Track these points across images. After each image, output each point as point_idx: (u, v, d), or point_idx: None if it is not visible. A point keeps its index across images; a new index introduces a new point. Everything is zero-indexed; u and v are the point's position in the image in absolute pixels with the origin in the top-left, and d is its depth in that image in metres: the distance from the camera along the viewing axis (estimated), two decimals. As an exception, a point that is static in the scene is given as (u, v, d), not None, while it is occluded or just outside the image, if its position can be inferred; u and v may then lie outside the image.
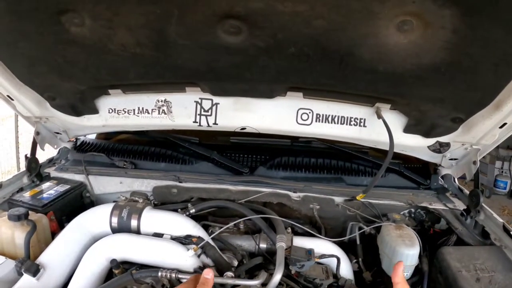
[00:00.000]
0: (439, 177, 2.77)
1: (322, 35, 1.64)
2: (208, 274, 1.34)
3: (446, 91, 1.95)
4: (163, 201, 2.49)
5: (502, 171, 9.67)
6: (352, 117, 2.38)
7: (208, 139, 2.97)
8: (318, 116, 2.39)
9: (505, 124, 2.07)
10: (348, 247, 2.28)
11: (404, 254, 1.99)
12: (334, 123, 2.39)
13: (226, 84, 2.25)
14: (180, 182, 2.55)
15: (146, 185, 2.60)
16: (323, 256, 2.02)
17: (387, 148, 2.27)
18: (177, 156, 2.86)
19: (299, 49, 1.75)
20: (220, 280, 1.70)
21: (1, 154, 9.22)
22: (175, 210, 2.23)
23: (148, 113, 2.49)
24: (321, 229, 2.40)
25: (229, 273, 1.76)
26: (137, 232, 2.05)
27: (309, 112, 2.39)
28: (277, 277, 1.68)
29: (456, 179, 2.77)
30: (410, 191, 2.65)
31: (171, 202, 2.45)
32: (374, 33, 1.59)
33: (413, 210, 2.51)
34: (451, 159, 2.56)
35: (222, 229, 2.08)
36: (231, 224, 2.15)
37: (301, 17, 1.55)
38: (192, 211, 2.22)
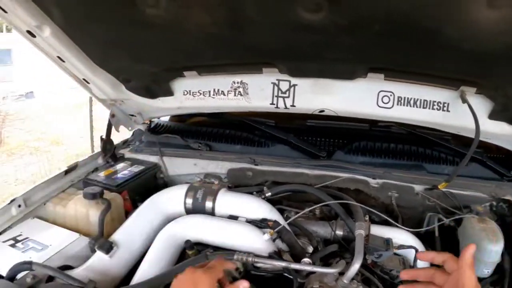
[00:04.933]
0: None
1: (409, 12, 1.55)
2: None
3: None
4: (237, 184, 2.47)
5: None
6: (435, 101, 2.26)
7: (283, 122, 2.91)
8: (400, 99, 2.29)
9: None
10: (423, 239, 2.16)
11: (487, 249, 1.88)
12: (417, 107, 2.29)
13: (305, 64, 2.19)
14: (256, 165, 2.52)
15: (220, 167, 2.59)
16: (401, 246, 1.92)
17: (471, 135, 2.17)
18: (252, 138, 2.84)
19: (383, 27, 1.66)
20: (297, 266, 1.66)
21: (77, 138, 9.59)
22: (250, 193, 2.20)
23: (224, 94, 2.47)
24: (398, 218, 2.29)
25: (307, 259, 1.70)
26: (212, 214, 2.04)
27: (391, 95, 2.30)
28: (356, 266, 1.61)
29: None
30: (492, 182, 2.48)
31: (245, 185, 2.42)
32: (464, 9, 1.50)
33: (494, 203, 2.35)
34: None
35: (299, 214, 2.02)
36: (309, 209, 2.09)
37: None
38: (268, 194, 2.18)
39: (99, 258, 1.85)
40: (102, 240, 1.87)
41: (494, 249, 1.87)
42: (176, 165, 2.75)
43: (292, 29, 1.76)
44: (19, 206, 2.16)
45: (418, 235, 2.08)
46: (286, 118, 2.69)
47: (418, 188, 2.37)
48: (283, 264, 1.67)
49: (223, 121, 3.01)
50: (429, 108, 2.28)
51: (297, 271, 1.70)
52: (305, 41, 1.87)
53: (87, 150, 8.94)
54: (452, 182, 2.28)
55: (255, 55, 2.14)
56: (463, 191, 2.35)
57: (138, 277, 1.80)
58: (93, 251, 1.88)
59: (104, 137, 2.80)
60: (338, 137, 2.84)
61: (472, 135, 2.18)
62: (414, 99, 2.27)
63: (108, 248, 1.83)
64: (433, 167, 2.54)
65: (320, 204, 2.09)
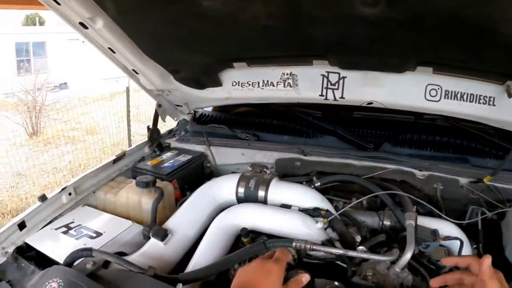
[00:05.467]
0: None
1: (464, 9, 1.57)
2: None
3: None
4: (285, 174, 2.50)
5: None
6: (482, 95, 2.27)
7: (329, 113, 2.94)
8: (447, 92, 2.31)
9: None
10: (466, 232, 2.16)
11: None
12: (463, 100, 2.30)
13: (356, 57, 2.22)
14: (304, 155, 2.56)
15: (268, 157, 2.63)
16: (447, 238, 1.93)
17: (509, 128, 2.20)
18: (300, 129, 2.87)
19: (436, 23, 1.69)
20: (354, 253, 1.69)
21: (112, 128, 9.73)
22: (300, 183, 2.22)
23: (273, 85, 2.51)
24: (442, 210, 2.28)
25: (362, 247, 1.74)
26: (264, 202, 2.07)
27: (438, 88, 2.31)
28: (408, 255, 1.64)
29: None
30: None
31: (292, 175, 2.46)
32: None
33: None
34: None
35: (351, 204, 2.05)
36: (361, 199, 2.12)
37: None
38: (317, 184, 2.21)
39: (154, 244, 1.90)
40: (157, 228, 1.92)
41: None
42: (223, 154, 2.80)
43: (348, 23, 1.79)
44: (70, 194, 2.24)
45: (460, 227, 2.10)
46: (332, 109, 2.72)
47: (463, 181, 2.38)
48: (340, 251, 1.70)
49: (270, 112, 3.05)
50: (475, 102, 2.28)
51: (350, 259, 1.74)
52: (359, 35, 1.89)
53: (123, 140, 9.09)
54: (496, 176, 2.30)
55: (308, 47, 2.17)
56: (507, 185, 2.34)
57: (193, 264, 1.84)
58: (147, 238, 1.94)
59: (151, 126, 2.86)
60: (385, 129, 2.86)
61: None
62: (461, 93, 2.28)
63: (163, 235, 1.88)
64: (477, 161, 2.54)
65: (371, 195, 2.11)
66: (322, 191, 2.22)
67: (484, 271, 1.28)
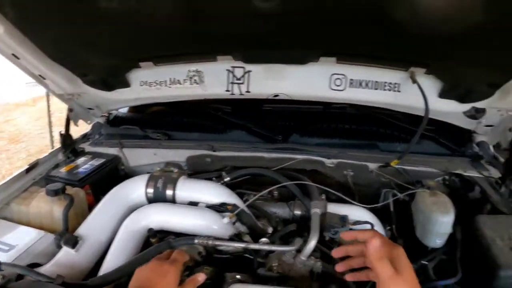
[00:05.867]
0: (474, 144, 2.72)
1: None
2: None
3: (483, 55, 1.91)
4: (197, 171, 2.51)
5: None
6: (387, 82, 2.36)
7: (240, 108, 2.99)
8: (351, 81, 2.38)
9: None
10: (381, 214, 2.25)
11: (438, 221, 1.97)
12: (368, 88, 2.38)
13: (258, 51, 2.25)
14: (214, 151, 2.58)
15: (180, 155, 2.62)
16: (357, 222, 2.02)
17: (422, 113, 2.26)
18: (210, 125, 2.90)
19: (333, 13, 1.74)
20: (256, 246, 1.73)
21: (35, 134, 9.44)
22: (210, 179, 2.26)
23: (180, 83, 2.51)
24: (355, 196, 2.37)
25: (264, 239, 1.78)
26: (173, 201, 2.08)
27: (343, 78, 2.38)
28: (312, 243, 1.69)
29: (491, 147, 2.71)
30: (444, 157, 2.62)
31: (204, 171, 2.47)
32: None
33: (447, 177, 2.47)
34: (486, 126, 2.53)
35: (256, 197, 2.08)
36: (266, 191, 2.15)
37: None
38: (227, 179, 2.24)
39: (66, 253, 1.86)
40: (68, 235, 1.88)
41: (445, 221, 1.95)
42: (137, 156, 2.76)
43: (245, 18, 1.81)
44: (-18, 208, 2.15)
45: (375, 210, 2.17)
46: (244, 103, 2.75)
47: (372, 166, 2.46)
48: (242, 245, 1.73)
49: (181, 110, 3.06)
50: (380, 89, 2.37)
51: (256, 251, 1.77)
52: (258, 29, 1.92)
53: (47, 146, 8.80)
54: (404, 159, 2.40)
55: (209, 44, 2.17)
56: (415, 167, 2.45)
57: (104, 268, 1.82)
58: (59, 247, 1.90)
59: (63, 132, 2.79)
60: (294, 120, 2.93)
61: (423, 114, 2.28)
62: (366, 81, 2.36)
63: (73, 242, 1.85)
64: (387, 146, 2.65)
65: (276, 186, 2.15)
66: (236, 185, 2.27)
67: (370, 253, 1.30)
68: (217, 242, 1.74)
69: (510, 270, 1.69)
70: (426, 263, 1.97)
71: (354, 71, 2.37)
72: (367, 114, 2.83)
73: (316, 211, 1.90)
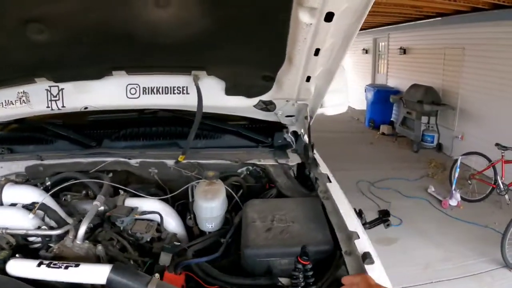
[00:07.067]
0: (287, 135, 3.03)
1: (100, 23, 1.96)
2: None
3: (237, 51, 2.19)
4: (35, 178, 2.75)
5: (429, 126, 10.21)
6: (175, 86, 2.69)
7: (72, 120, 3.24)
8: (145, 89, 2.71)
9: (309, 77, 2.29)
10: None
11: (202, 207, 2.25)
12: (160, 93, 2.71)
13: (61, 71, 2.54)
14: (42, 160, 2.82)
15: (21, 166, 2.85)
16: (144, 212, 2.32)
17: (213, 111, 2.63)
18: (42, 138, 3.14)
19: (91, 37, 2.06)
20: (38, 232, 2.15)
21: None
22: (35, 185, 2.54)
23: (13, 104, 2.77)
24: (166, 190, 2.71)
25: (44, 227, 2.20)
26: (0, 204, 2.35)
27: (137, 87, 2.70)
28: (82, 228, 2.03)
29: (305, 136, 2.96)
30: (245, 149, 2.93)
31: (39, 178, 2.72)
32: (138, 13, 1.88)
33: (250, 167, 2.78)
34: (288, 116, 2.84)
35: (46, 195, 2.36)
36: (59, 187, 2.50)
37: (77, 14, 1.87)
38: (48, 183, 2.56)
39: None
40: None
41: (209, 206, 2.25)
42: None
43: (29, 48, 2.12)
44: None
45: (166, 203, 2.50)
46: (76, 116, 3.07)
47: (169, 162, 2.78)
48: (29, 232, 2.14)
49: (21, 126, 3.32)
50: (171, 93, 2.71)
51: (47, 237, 2.15)
52: (45, 56, 2.24)
53: None
54: (201, 154, 2.76)
55: (18, 71, 2.49)
56: (209, 160, 2.77)
57: None
58: None
59: None
60: (110, 127, 3.23)
61: (215, 111, 2.66)
62: (157, 87, 2.71)
63: None
64: (185, 143, 2.83)
65: (70, 182, 2.57)
66: (66, 189, 2.59)
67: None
68: (9, 231, 2.11)
69: (255, 249, 1.90)
70: (180, 243, 2.20)
71: (146, 80, 2.69)
72: (174, 117, 3.15)
73: (96, 203, 2.25)
